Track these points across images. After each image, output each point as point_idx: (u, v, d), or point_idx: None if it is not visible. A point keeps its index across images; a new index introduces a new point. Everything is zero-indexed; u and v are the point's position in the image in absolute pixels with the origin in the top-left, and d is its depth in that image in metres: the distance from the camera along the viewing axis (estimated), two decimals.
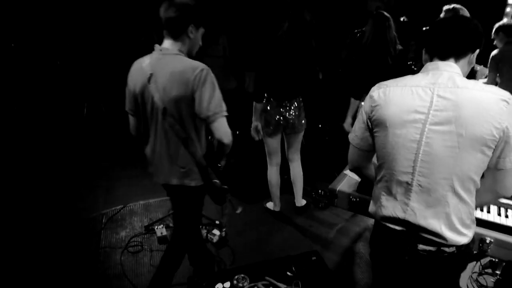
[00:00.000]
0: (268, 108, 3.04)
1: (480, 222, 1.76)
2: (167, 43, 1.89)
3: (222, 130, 1.85)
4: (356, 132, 1.57)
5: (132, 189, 3.83)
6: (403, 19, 5.18)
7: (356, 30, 3.80)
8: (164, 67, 1.83)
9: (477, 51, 1.41)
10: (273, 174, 3.29)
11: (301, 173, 3.37)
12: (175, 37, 1.87)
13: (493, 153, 1.30)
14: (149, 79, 1.84)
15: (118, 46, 5.33)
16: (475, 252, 1.72)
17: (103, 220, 3.35)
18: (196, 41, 1.95)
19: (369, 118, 1.48)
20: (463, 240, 1.38)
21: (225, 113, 1.86)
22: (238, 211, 2.99)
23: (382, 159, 1.47)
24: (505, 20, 4.41)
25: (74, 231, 3.18)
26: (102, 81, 5.46)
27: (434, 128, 1.31)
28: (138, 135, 2.08)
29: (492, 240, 1.70)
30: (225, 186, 2.04)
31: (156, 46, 1.90)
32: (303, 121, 3.19)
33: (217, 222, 3.21)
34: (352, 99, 3.24)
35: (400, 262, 1.49)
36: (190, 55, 1.94)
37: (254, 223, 3.35)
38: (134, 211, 3.50)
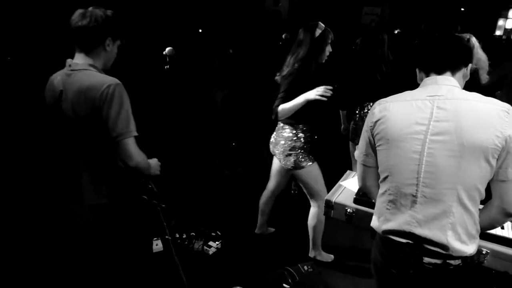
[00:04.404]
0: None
1: None
2: (79, 57, 1.74)
3: (127, 152, 1.70)
4: (361, 150, 1.58)
5: None
6: (397, 32, 5.27)
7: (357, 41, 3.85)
8: (73, 84, 1.68)
9: (470, 65, 1.46)
10: (262, 196, 3.14)
11: (312, 222, 2.82)
12: (89, 50, 1.72)
13: (496, 163, 1.30)
14: (60, 97, 1.72)
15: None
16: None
17: None
18: (112, 54, 1.82)
19: (372, 134, 1.49)
20: (469, 250, 1.38)
21: (133, 134, 1.71)
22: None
23: (386, 172, 1.48)
24: None
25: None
26: None
27: (435, 138, 1.33)
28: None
29: (488, 251, 1.70)
30: (155, 201, 1.97)
31: (68, 60, 1.76)
32: (291, 158, 2.63)
33: (213, 234, 3.19)
34: (340, 111, 3.31)
35: (405, 276, 1.48)
36: (105, 69, 1.82)
37: (251, 234, 3.33)
38: None
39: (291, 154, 2.61)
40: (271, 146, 2.79)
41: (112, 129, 1.65)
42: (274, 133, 2.71)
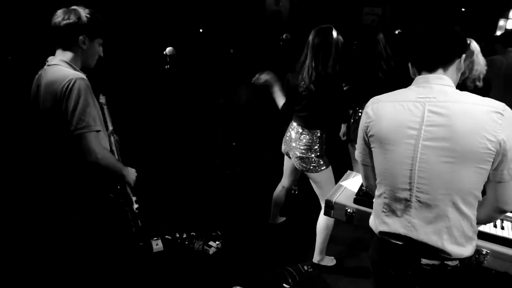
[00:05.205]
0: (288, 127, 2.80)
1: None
2: (57, 53, 1.80)
3: (85, 147, 1.69)
4: (359, 149, 1.57)
5: None
6: (398, 32, 5.26)
7: (355, 42, 3.86)
8: (44, 78, 1.75)
9: (464, 56, 1.38)
10: (276, 190, 3.24)
11: (321, 225, 2.76)
12: (64, 48, 1.78)
13: (491, 166, 1.27)
14: (37, 92, 1.79)
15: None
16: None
17: None
18: (92, 51, 1.83)
19: (366, 134, 1.48)
20: (466, 252, 1.37)
21: (93, 128, 1.71)
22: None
23: (380, 175, 1.47)
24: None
25: None
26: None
27: (427, 143, 1.30)
28: None
29: (488, 252, 1.70)
30: (121, 200, 1.95)
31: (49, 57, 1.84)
32: (307, 161, 2.65)
33: (213, 233, 3.19)
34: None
35: (403, 276, 1.48)
36: (88, 67, 1.86)
37: (251, 234, 3.33)
38: None
39: (308, 157, 2.64)
40: (284, 146, 2.82)
41: (70, 123, 1.67)
42: (292, 135, 2.71)
